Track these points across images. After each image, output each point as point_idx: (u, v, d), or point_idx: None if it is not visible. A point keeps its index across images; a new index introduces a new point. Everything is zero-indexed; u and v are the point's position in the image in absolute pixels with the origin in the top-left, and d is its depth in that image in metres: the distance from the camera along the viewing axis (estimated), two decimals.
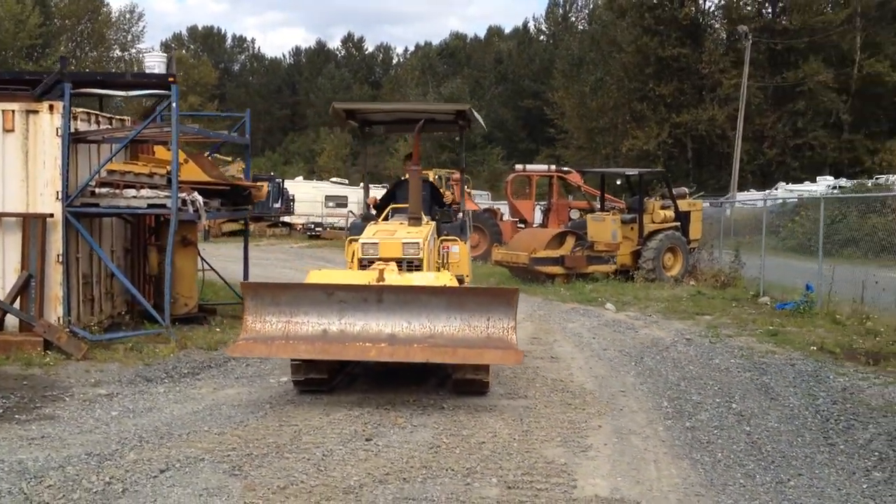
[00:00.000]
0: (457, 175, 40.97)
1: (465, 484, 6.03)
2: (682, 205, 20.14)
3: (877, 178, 32.70)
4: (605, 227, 19.38)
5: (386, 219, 9.96)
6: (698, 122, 49.72)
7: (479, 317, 7.86)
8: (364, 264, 8.82)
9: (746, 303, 16.08)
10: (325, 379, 8.48)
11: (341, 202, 43.28)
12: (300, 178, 52.58)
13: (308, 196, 42.27)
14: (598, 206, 23.24)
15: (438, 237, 9.86)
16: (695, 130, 50.49)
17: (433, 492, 5.87)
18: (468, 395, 8.48)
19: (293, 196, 36.83)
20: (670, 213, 19.69)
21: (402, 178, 10.73)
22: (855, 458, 6.79)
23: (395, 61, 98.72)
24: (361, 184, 11.86)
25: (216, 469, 6.31)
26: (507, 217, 28.38)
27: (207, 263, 12.86)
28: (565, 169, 28.60)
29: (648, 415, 8.15)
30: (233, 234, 33.28)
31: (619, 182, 22.02)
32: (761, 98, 48.99)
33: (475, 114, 10.12)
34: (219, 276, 13.47)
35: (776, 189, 40.16)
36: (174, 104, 10.56)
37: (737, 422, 7.85)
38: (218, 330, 11.90)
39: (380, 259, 8.73)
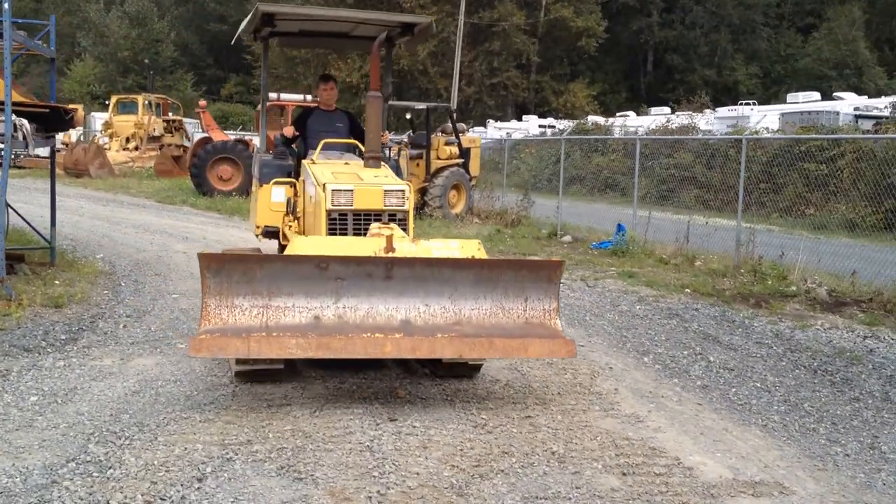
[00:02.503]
0: (169, 101, 37.64)
1: (574, 473, 5.01)
2: (464, 141, 19.64)
3: (589, 118, 34.57)
4: None
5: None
6: (400, 57, 49.74)
7: (516, 297, 6.23)
8: (333, 217, 7.09)
9: (551, 242, 16.04)
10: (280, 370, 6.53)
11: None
12: None
13: None
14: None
15: None
16: (396, 65, 50.51)
17: (552, 485, 4.83)
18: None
19: None
20: (455, 150, 19.09)
21: (315, 106, 8.79)
22: None
23: None
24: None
25: (262, 472, 4.76)
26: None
27: (9, 205, 10.11)
28: None
29: (644, 373, 7.47)
30: None
31: (408, 116, 20.98)
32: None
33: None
34: (19, 215, 10.67)
35: (485, 128, 41.42)
36: (6, 5, 7.96)
37: (736, 378, 7.40)
38: (57, 283, 9.36)
39: (354, 211, 7.07)
